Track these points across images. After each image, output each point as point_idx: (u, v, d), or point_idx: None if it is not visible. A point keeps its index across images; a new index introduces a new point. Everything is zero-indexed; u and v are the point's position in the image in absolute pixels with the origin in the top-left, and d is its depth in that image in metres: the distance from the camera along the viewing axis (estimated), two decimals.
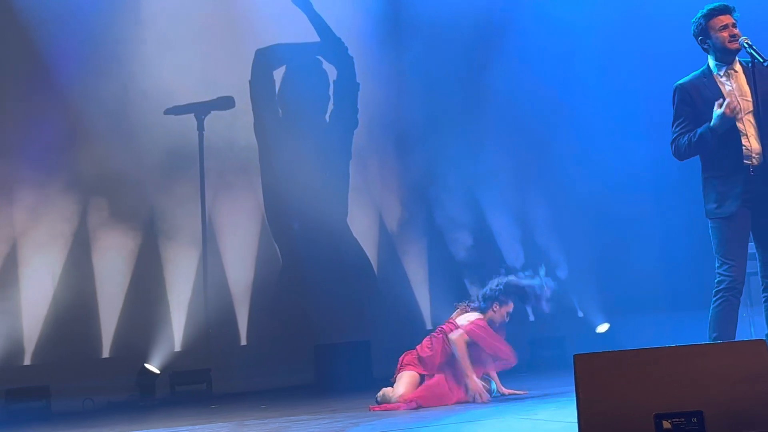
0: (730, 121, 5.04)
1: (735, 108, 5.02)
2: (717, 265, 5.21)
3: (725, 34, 5.22)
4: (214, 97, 9.43)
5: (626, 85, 10.42)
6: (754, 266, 5.38)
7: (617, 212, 10.37)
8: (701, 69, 5.35)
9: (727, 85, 5.24)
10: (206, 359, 8.93)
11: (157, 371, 8.81)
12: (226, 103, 9.46)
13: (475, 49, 10.51)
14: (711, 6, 5.30)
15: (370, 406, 6.50)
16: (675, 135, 5.27)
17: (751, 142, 5.16)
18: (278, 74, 9.83)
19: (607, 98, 10.46)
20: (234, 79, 9.57)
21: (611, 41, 10.49)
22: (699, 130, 5.13)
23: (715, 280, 5.20)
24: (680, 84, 5.33)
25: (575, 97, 10.51)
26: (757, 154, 5.15)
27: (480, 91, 10.54)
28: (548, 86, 10.51)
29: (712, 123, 5.07)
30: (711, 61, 5.32)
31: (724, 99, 5.06)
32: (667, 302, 10.34)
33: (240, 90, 9.60)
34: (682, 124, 5.25)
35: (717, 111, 5.03)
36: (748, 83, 5.24)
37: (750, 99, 5.20)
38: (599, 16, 10.33)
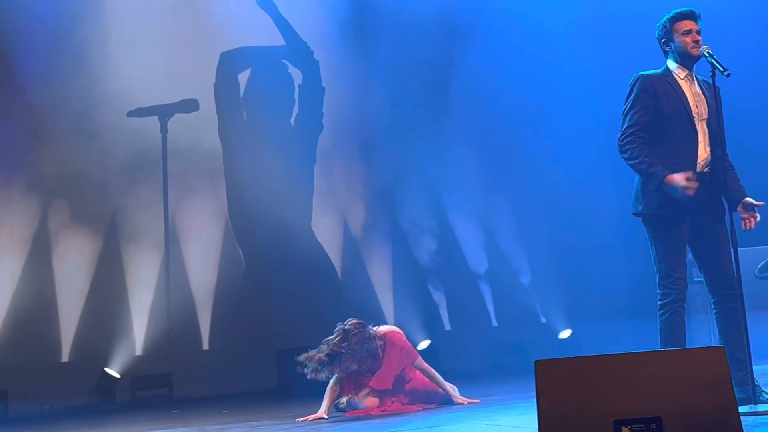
0: (678, 192, 5.00)
1: (691, 192, 4.96)
2: (660, 276, 5.13)
3: (688, 39, 5.25)
4: (178, 100, 9.37)
5: (593, 91, 10.50)
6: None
7: (580, 219, 10.44)
8: (662, 68, 5.35)
9: (688, 88, 5.27)
10: (167, 363, 8.86)
11: (118, 375, 8.73)
12: (190, 105, 9.40)
13: (441, 54, 10.56)
14: (678, 10, 5.33)
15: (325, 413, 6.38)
16: (630, 130, 5.13)
17: (701, 149, 5.20)
18: (243, 77, 9.79)
19: (572, 104, 10.54)
20: (198, 82, 9.52)
21: (578, 46, 10.58)
22: (654, 170, 5.01)
23: (659, 292, 5.13)
24: (644, 74, 5.27)
25: (541, 103, 10.59)
26: (703, 160, 5.19)
27: (445, 96, 10.58)
28: (513, 92, 10.57)
29: (667, 183, 4.98)
30: (671, 64, 5.34)
31: (694, 178, 4.96)
32: (629, 309, 10.41)
33: (204, 93, 9.55)
34: (639, 113, 5.15)
35: (680, 182, 4.95)
36: (704, 92, 5.28)
37: (705, 106, 5.25)
38: (566, 20, 10.42)
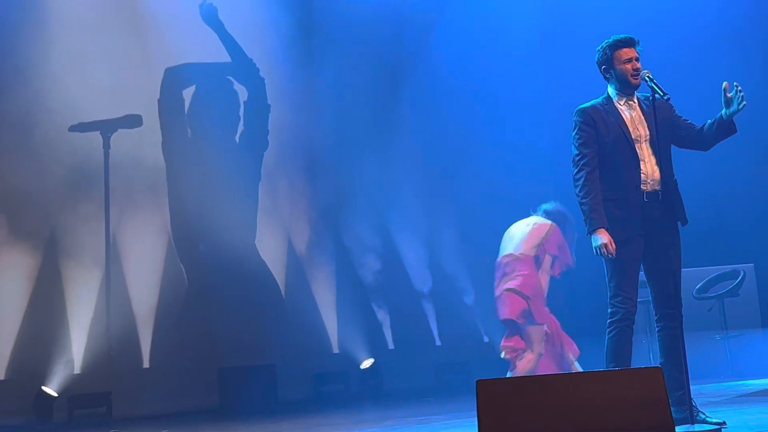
0: (593, 244, 5.17)
1: (604, 254, 5.14)
2: (611, 294, 5.26)
3: (629, 67, 5.36)
4: (122, 115, 9.28)
5: (538, 114, 10.64)
6: (644, 294, 5.48)
7: None
8: (602, 96, 5.47)
9: (626, 113, 5.38)
10: (107, 382, 8.72)
11: (55, 394, 8.56)
12: (133, 121, 9.31)
13: (387, 73, 10.61)
14: (617, 37, 5.43)
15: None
16: (580, 162, 5.26)
17: (648, 169, 5.29)
18: (188, 93, 9.73)
19: (517, 125, 10.66)
20: (142, 97, 9.43)
21: (521, 66, 10.69)
22: (593, 217, 5.17)
23: (609, 311, 5.25)
24: (582, 107, 5.43)
25: (485, 124, 10.69)
26: (652, 180, 5.29)
27: (390, 115, 10.62)
28: (458, 112, 10.68)
29: (593, 233, 5.17)
30: (611, 90, 5.46)
31: (611, 249, 5.13)
32: (572, 328, 10.50)
33: (148, 108, 9.46)
34: (584, 146, 5.28)
35: (599, 239, 5.13)
36: (644, 112, 5.39)
37: (647, 127, 5.35)
38: (510, 42, 10.52)
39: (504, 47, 10.57)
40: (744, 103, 5.19)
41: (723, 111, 5.26)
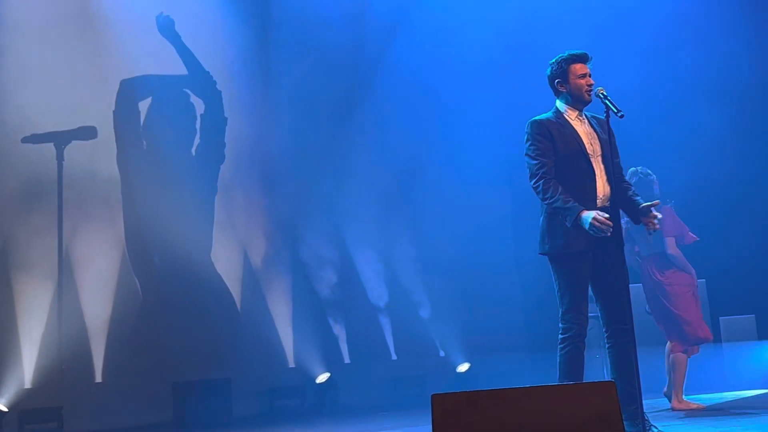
0: (584, 229, 5.13)
1: (602, 228, 5.08)
2: (563, 310, 5.27)
3: (583, 82, 5.42)
4: (76, 127, 9.19)
5: (494, 129, 10.70)
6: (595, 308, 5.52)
7: (479, 253, 10.58)
8: (551, 111, 5.50)
9: (580, 128, 5.43)
10: (58, 397, 8.59)
11: (5, 409, 8.42)
12: (88, 133, 9.22)
13: (344, 86, 10.62)
14: (573, 52, 5.48)
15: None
16: (540, 171, 5.27)
17: (600, 184, 5.35)
18: (144, 105, 9.66)
19: (474, 141, 10.71)
20: (97, 109, 9.35)
21: (479, 80, 10.76)
22: (571, 206, 5.14)
23: (561, 326, 5.26)
24: (537, 119, 5.45)
25: (442, 139, 10.74)
26: (603, 195, 5.35)
27: (348, 128, 10.64)
28: (415, 124, 10.71)
29: (577, 219, 5.12)
30: (561, 105, 5.49)
31: (605, 217, 5.10)
32: (526, 343, 10.58)
33: (103, 120, 9.38)
34: (542, 156, 5.31)
35: (589, 216, 5.08)
36: (594, 129, 5.45)
37: (599, 143, 5.41)
38: (467, 56, 10.59)
39: (461, 61, 10.64)
40: (650, 232, 5.38)
41: (640, 209, 5.36)
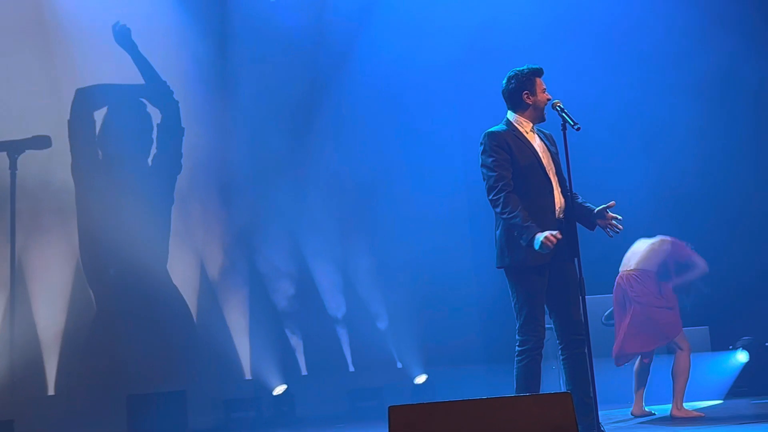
0: (535, 246, 5.14)
1: (550, 247, 5.10)
2: (521, 323, 5.28)
3: (546, 96, 5.46)
4: (30, 136, 9.07)
5: (453, 141, 10.73)
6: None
7: (437, 265, 10.60)
8: (503, 123, 5.51)
9: (536, 141, 5.46)
10: (10, 409, 8.46)
11: None
12: (41, 142, 9.11)
13: (302, 96, 10.61)
14: (533, 66, 5.50)
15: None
16: (499, 184, 5.26)
17: (556, 196, 5.39)
18: (99, 115, 9.57)
19: (432, 152, 10.74)
20: (51, 118, 9.24)
21: (438, 91, 10.80)
22: (528, 225, 5.14)
23: (519, 338, 5.28)
24: (494, 131, 5.44)
25: (400, 147, 10.76)
26: (559, 207, 5.38)
27: (306, 138, 10.63)
28: (374, 135, 10.72)
29: (530, 238, 5.13)
30: (516, 117, 5.49)
31: (555, 235, 5.13)
32: (484, 354, 10.60)
33: (58, 129, 9.28)
34: (500, 168, 5.30)
35: (541, 236, 5.09)
36: (544, 142, 5.49)
37: (550, 156, 5.45)
38: (426, 67, 10.62)
39: (421, 71, 10.66)
40: (611, 236, 5.40)
41: (595, 213, 5.39)
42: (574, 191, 5.51)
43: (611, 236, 5.50)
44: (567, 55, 10.12)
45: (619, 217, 5.41)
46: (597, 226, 5.47)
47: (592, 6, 10.37)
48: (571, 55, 10.16)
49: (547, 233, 5.09)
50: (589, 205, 5.49)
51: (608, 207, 5.39)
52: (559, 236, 5.12)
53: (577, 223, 5.49)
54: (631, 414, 7.49)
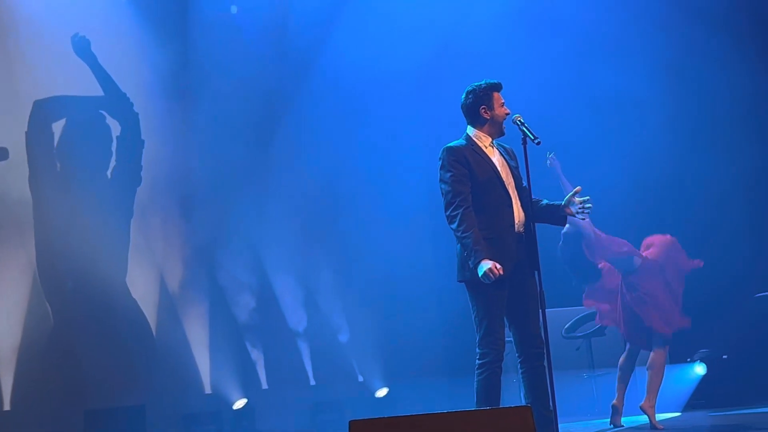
0: (479, 273, 5.20)
1: (491, 278, 5.17)
2: (481, 335, 5.30)
3: (504, 111, 5.50)
4: None
5: (415, 152, 10.75)
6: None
7: (398, 278, 10.61)
8: (463, 137, 5.55)
9: (495, 156, 5.49)
10: None
11: None
12: None
13: (264, 109, 10.58)
14: (491, 81, 5.55)
15: None
16: (456, 200, 5.30)
17: (516, 210, 5.42)
18: (58, 127, 9.46)
19: (393, 164, 10.77)
20: (8, 130, 9.12)
21: (401, 105, 10.83)
22: (477, 248, 5.19)
23: (479, 352, 5.30)
24: (452, 146, 5.48)
25: (362, 160, 10.77)
26: (519, 221, 5.42)
27: (267, 151, 10.60)
28: (336, 148, 10.72)
29: (477, 262, 5.19)
30: (475, 132, 5.53)
31: (499, 269, 5.18)
32: (445, 368, 10.62)
33: (15, 141, 9.17)
34: (458, 183, 5.34)
35: (486, 265, 5.16)
36: (504, 156, 5.53)
37: (509, 170, 5.49)
38: (390, 77, 10.65)
39: (384, 84, 10.68)
40: (584, 217, 5.45)
41: (563, 206, 5.44)
42: (536, 197, 5.55)
43: (584, 218, 5.54)
44: (537, 54, 10.22)
45: (587, 197, 5.44)
46: (568, 217, 5.50)
47: (562, 6, 10.46)
48: (541, 54, 10.25)
49: (491, 264, 5.12)
50: (555, 202, 5.53)
51: (575, 194, 5.43)
52: (502, 272, 5.14)
53: (550, 224, 5.56)
54: (612, 405, 7.58)
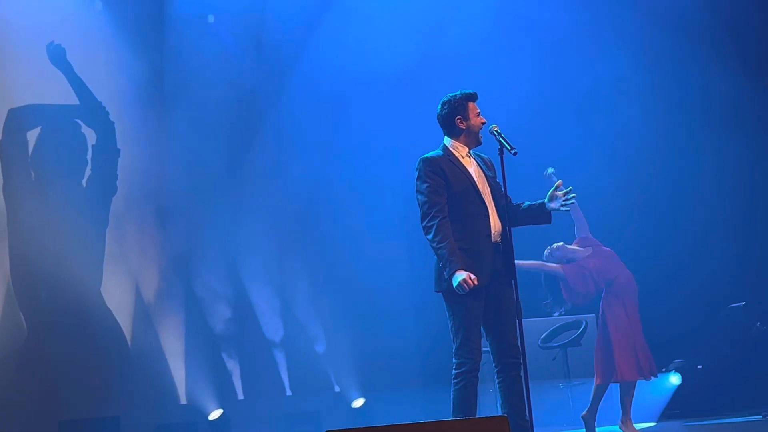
0: (453, 284, 5.21)
1: (466, 289, 5.17)
2: (457, 345, 5.30)
3: (480, 121, 5.52)
4: None
5: (392, 163, 10.76)
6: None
7: (375, 288, 10.59)
8: (440, 148, 5.57)
9: (471, 166, 5.51)
10: None
11: None
12: None
13: (241, 118, 10.55)
14: (466, 91, 5.57)
15: None
16: (431, 211, 5.32)
17: (492, 220, 5.43)
18: (32, 135, 9.39)
19: (369, 173, 10.76)
20: None
21: (378, 114, 10.82)
22: (452, 259, 5.20)
23: (455, 362, 5.30)
24: (428, 157, 5.50)
25: (338, 170, 10.76)
26: (496, 231, 5.43)
27: (244, 160, 10.57)
28: (312, 157, 10.71)
29: (452, 273, 5.20)
30: (452, 143, 5.55)
31: (473, 279, 5.19)
32: (421, 378, 10.61)
33: None
34: (434, 194, 5.35)
35: (460, 275, 5.17)
36: (480, 165, 5.55)
37: (486, 180, 5.50)
38: (366, 87, 10.65)
39: (360, 92, 10.68)
40: (569, 208, 5.46)
41: (546, 202, 5.47)
42: (516, 201, 5.57)
43: (569, 209, 5.54)
44: (517, 59, 10.26)
45: (570, 188, 5.46)
46: (552, 212, 5.51)
47: (542, 11, 10.51)
48: (521, 59, 10.29)
49: (466, 275, 5.13)
50: (536, 201, 5.54)
51: (556, 188, 5.45)
52: (477, 282, 5.15)
53: (535, 224, 5.59)
54: (582, 417, 7.64)
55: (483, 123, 5.52)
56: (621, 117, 10.34)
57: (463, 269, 5.17)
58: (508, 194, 5.53)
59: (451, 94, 5.56)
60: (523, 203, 5.59)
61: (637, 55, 10.36)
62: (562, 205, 5.44)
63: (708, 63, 10.16)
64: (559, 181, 5.51)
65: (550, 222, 5.57)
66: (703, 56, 10.19)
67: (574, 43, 10.45)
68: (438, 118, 5.60)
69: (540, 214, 5.52)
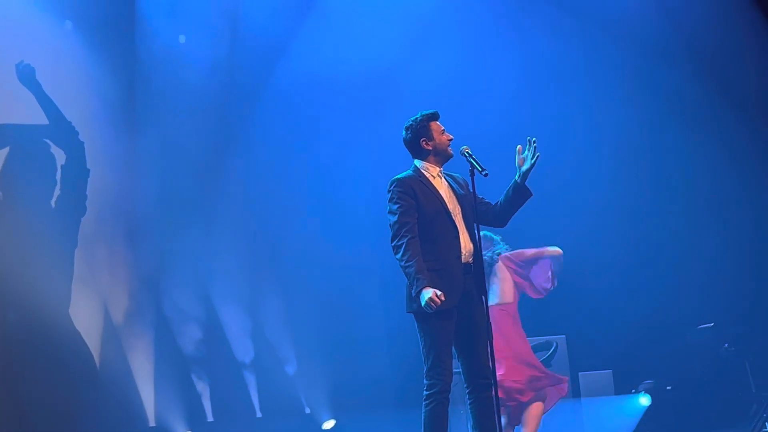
0: (421, 302, 5.21)
1: (433, 307, 5.17)
2: (429, 366, 5.30)
3: (445, 138, 5.56)
4: None
5: (363, 178, 10.77)
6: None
7: (346, 309, 10.59)
8: (411, 169, 5.60)
9: (442, 187, 5.54)
10: None
11: None
12: None
13: (212, 139, 10.53)
14: (426, 112, 5.63)
15: None
16: (401, 231, 5.34)
17: (463, 241, 5.45)
18: (0, 155, 9.33)
19: (340, 192, 10.77)
20: None
21: (350, 136, 10.84)
22: (419, 277, 5.21)
23: (426, 383, 5.30)
24: (400, 178, 5.53)
25: (309, 192, 10.76)
26: (467, 252, 5.45)
27: (215, 181, 10.54)
28: (284, 178, 10.71)
29: (419, 291, 5.21)
30: (422, 164, 5.59)
31: (440, 296, 5.19)
32: (393, 399, 10.58)
33: None
34: (405, 215, 5.37)
35: (427, 293, 5.17)
36: (451, 188, 5.57)
37: (457, 201, 5.53)
38: (337, 108, 10.67)
39: (331, 114, 10.70)
40: (538, 154, 5.49)
41: (516, 175, 5.52)
42: (488, 201, 5.60)
43: (539, 154, 5.55)
44: (493, 69, 10.33)
45: (529, 138, 5.49)
46: (526, 180, 5.55)
47: (524, 24, 10.60)
48: (497, 69, 10.36)
49: (432, 292, 5.14)
50: (503, 194, 5.59)
51: (518, 154, 5.50)
52: (443, 298, 5.16)
53: (521, 205, 5.64)
54: None
55: (450, 139, 5.56)
56: (594, 134, 10.43)
57: (429, 287, 5.18)
58: (486, 199, 5.59)
59: (412, 118, 5.62)
60: (500, 198, 5.63)
61: (612, 71, 10.46)
62: (532, 159, 5.49)
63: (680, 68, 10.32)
64: (519, 146, 5.56)
65: (531, 194, 5.59)
66: (676, 62, 10.34)
67: (550, 56, 10.54)
68: (404, 144, 5.66)
69: (519, 193, 5.55)
